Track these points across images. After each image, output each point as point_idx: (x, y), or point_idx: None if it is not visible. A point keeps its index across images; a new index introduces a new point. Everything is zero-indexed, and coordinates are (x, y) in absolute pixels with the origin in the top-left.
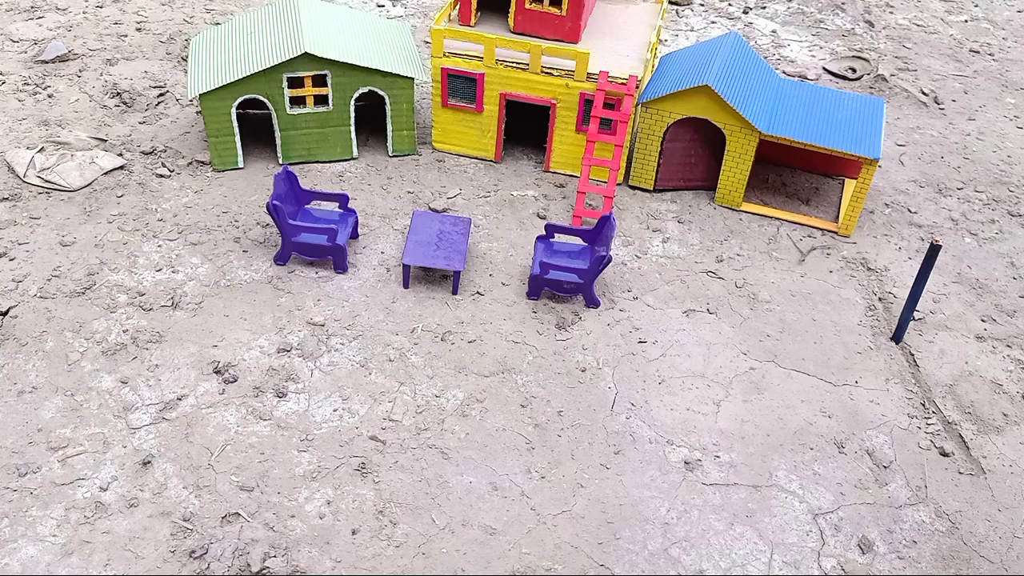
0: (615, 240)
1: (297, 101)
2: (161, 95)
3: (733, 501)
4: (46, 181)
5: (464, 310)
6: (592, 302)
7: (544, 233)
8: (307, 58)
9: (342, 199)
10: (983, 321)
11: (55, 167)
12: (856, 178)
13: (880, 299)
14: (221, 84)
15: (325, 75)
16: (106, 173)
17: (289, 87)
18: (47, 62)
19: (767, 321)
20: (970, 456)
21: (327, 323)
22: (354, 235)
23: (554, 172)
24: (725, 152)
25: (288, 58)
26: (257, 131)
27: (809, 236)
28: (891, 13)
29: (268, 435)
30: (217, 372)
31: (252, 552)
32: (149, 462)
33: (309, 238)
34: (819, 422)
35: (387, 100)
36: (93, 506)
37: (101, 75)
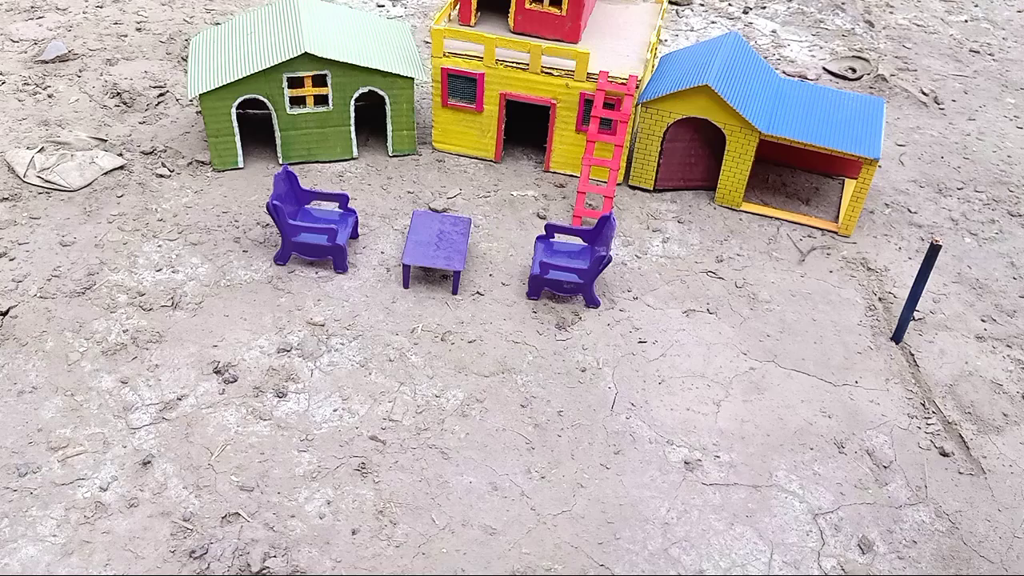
0: (615, 240)
1: (297, 101)
2: (161, 95)
3: (733, 501)
4: (46, 181)
5: (464, 310)
6: (592, 302)
7: (544, 233)
8: (307, 58)
9: (342, 199)
10: (983, 321)
11: (55, 167)
12: (856, 178)
13: (880, 299)
14: (221, 84)
15: (325, 75)
16: (106, 173)
17: (289, 87)
18: (47, 62)
19: (767, 321)
20: (970, 456)
21: (327, 323)
22: (354, 235)
23: (554, 172)
24: (725, 152)
25: (288, 58)
26: (257, 131)
27: (809, 236)
28: (891, 13)
29: (268, 435)
30: (217, 372)
31: (252, 552)
32: (149, 462)
33: (309, 238)
34: (819, 422)
35: (387, 100)
36: (93, 506)
37: (101, 75)
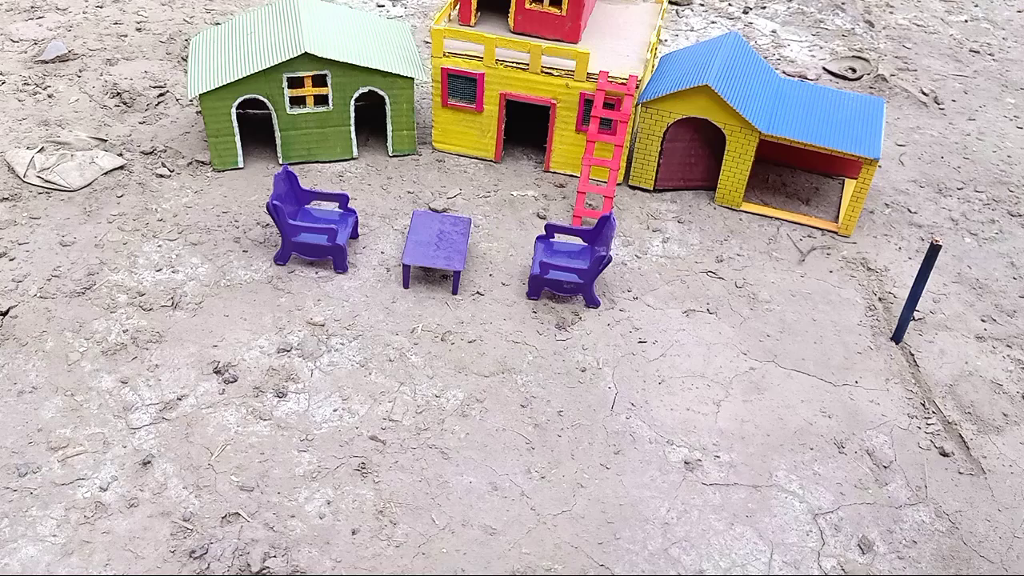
0: (615, 240)
1: (297, 101)
2: (161, 95)
3: (733, 501)
4: (46, 181)
5: (464, 310)
6: (592, 302)
7: (544, 233)
8: (307, 58)
9: (342, 199)
10: (983, 321)
11: (55, 167)
12: (856, 178)
13: (880, 299)
14: (221, 84)
15: (325, 75)
16: (106, 173)
17: (289, 87)
18: (47, 62)
19: (767, 321)
20: (970, 456)
21: (327, 323)
22: (354, 235)
23: (554, 172)
24: (725, 152)
25: (288, 58)
26: (257, 131)
27: (809, 236)
28: (891, 13)
29: (268, 435)
30: (217, 372)
31: (252, 552)
32: (149, 462)
33: (309, 238)
34: (819, 422)
35: (387, 100)
36: (93, 506)
37: (101, 75)
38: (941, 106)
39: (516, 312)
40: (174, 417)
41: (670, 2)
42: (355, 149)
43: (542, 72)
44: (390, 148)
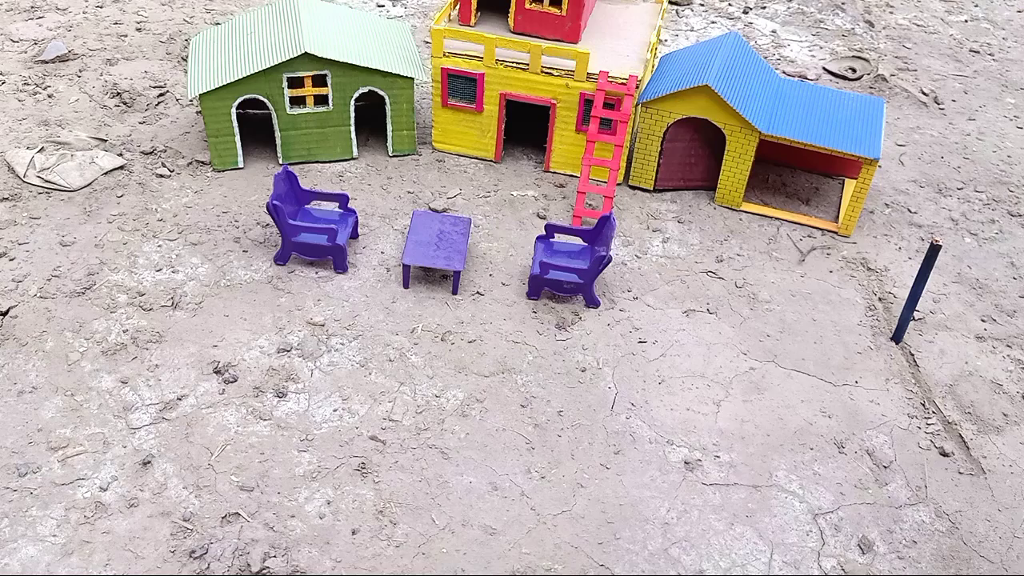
0: (615, 240)
1: (297, 101)
2: (161, 95)
3: (733, 501)
4: (46, 181)
5: (464, 310)
6: (592, 302)
7: (544, 233)
8: (307, 58)
9: (342, 199)
10: (983, 321)
11: (55, 167)
12: (856, 178)
13: (880, 299)
14: (221, 84)
15: (325, 75)
16: (106, 173)
17: (289, 87)
18: (47, 62)
19: (767, 321)
20: (970, 456)
21: (327, 323)
22: (354, 235)
23: (554, 172)
24: (725, 152)
25: (288, 58)
26: (257, 131)
27: (809, 236)
28: (891, 13)
29: (268, 435)
30: (217, 372)
31: (252, 552)
32: (149, 462)
33: (309, 238)
34: (819, 422)
35: (387, 100)
36: (93, 506)
37: (101, 75)
38: (941, 106)
39: (516, 312)
40: (174, 417)
41: (670, 2)
42: (355, 149)
43: (542, 72)
44: (390, 148)
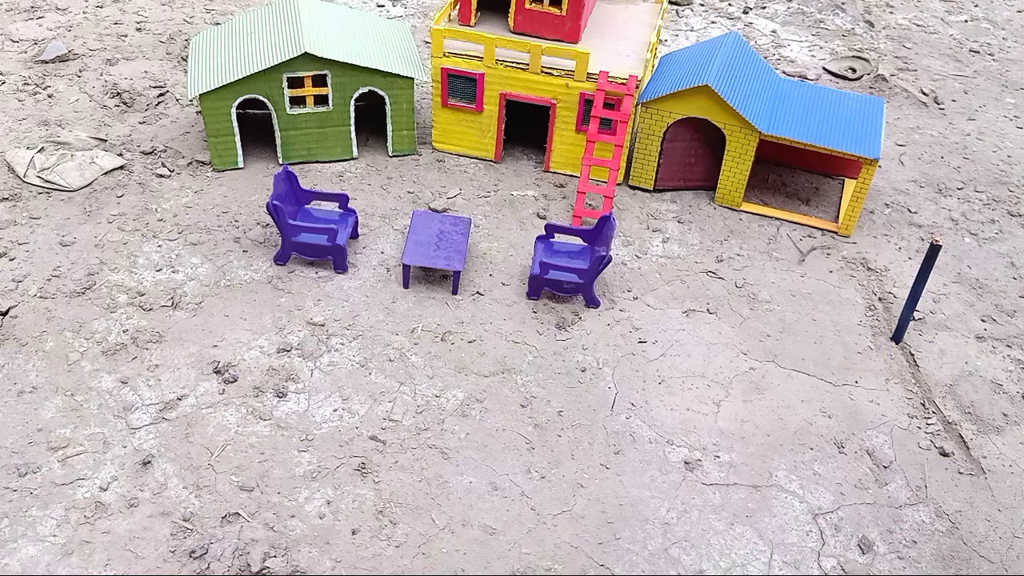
0: (615, 240)
1: (297, 101)
2: (161, 95)
3: (733, 501)
4: (46, 181)
5: (464, 310)
6: (592, 302)
7: (544, 233)
8: (307, 58)
9: (342, 199)
10: (983, 321)
11: (55, 167)
12: (856, 178)
13: (880, 299)
14: (221, 84)
15: (325, 75)
16: (106, 173)
17: (289, 87)
18: (47, 62)
19: (767, 321)
20: (970, 456)
21: (327, 323)
22: (354, 235)
23: (554, 172)
24: (725, 152)
25: (288, 58)
26: (257, 131)
27: (809, 236)
28: (891, 13)
29: (268, 435)
30: (217, 372)
31: (252, 552)
32: (149, 462)
33: (309, 238)
34: (819, 422)
35: (387, 100)
36: (93, 506)
37: (101, 75)
38: (941, 106)
39: (516, 312)
40: (174, 417)
41: (670, 2)
42: (355, 149)
43: (542, 72)
44: (390, 148)
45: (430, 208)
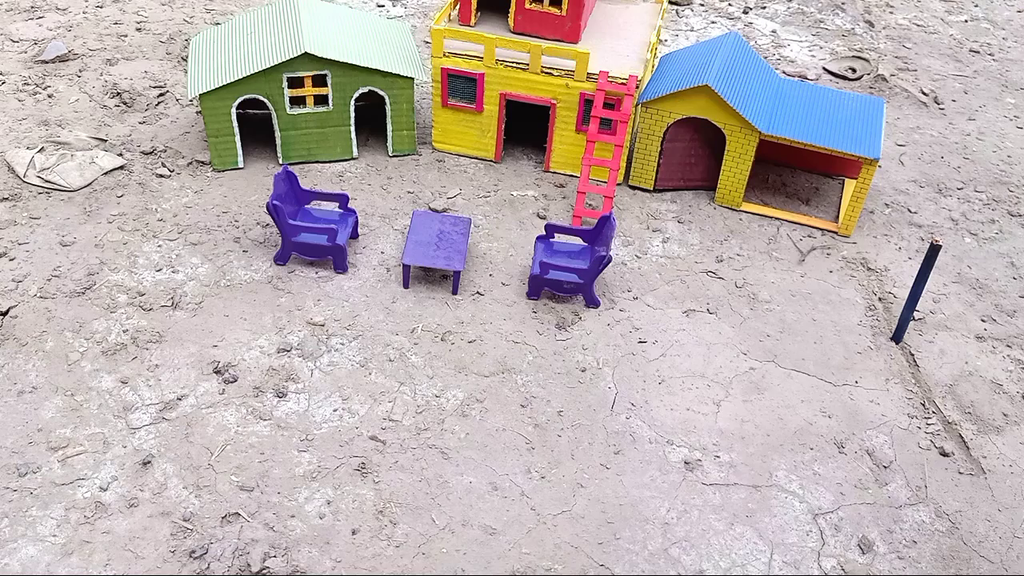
0: (615, 240)
1: (297, 101)
2: (161, 95)
3: (733, 501)
4: (46, 181)
5: (464, 310)
6: (592, 302)
7: (544, 233)
8: (307, 58)
9: (342, 199)
10: (983, 321)
11: (55, 167)
12: (856, 178)
13: (880, 299)
14: (221, 84)
15: (325, 75)
16: (106, 173)
17: (289, 87)
18: (47, 62)
19: (767, 321)
20: (970, 456)
21: (327, 323)
22: (354, 235)
23: (554, 172)
24: (725, 152)
25: (288, 58)
26: (257, 131)
27: (809, 236)
28: (891, 13)
29: (268, 435)
30: (217, 372)
31: (252, 552)
32: (149, 462)
33: (309, 238)
34: (819, 422)
35: (387, 100)
36: (93, 506)
37: (101, 75)
38: (941, 106)
39: (516, 312)
40: (174, 417)
41: (670, 2)
42: (355, 149)
43: (542, 72)
44: (390, 148)
45: (430, 208)
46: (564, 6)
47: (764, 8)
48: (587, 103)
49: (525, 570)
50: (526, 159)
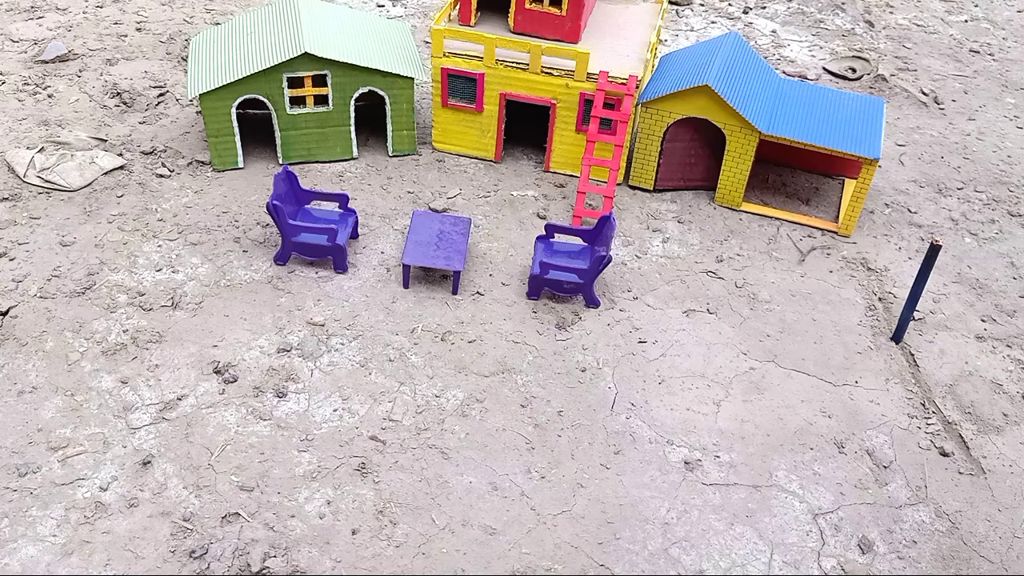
0: (615, 240)
1: (297, 101)
2: (161, 95)
3: (733, 501)
4: (46, 181)
5: (464, 310)
6: (592, 302)
7: (544, 233)
8: (307, 58)
9: (342, 199)
10: (983, 321)
11: (55, 167)
12: (856, 178)
13: (880, 299)
14: (221, 84)
15: (325, 75)
16: (106, 173)
17: (289, 87)
18: (47, 62)
19: (767, 321)
20: (970, 456)
21: (327, 323)
22: (354, 235)
23: (554, 172)
24: (725, 152)
25: (288, 58)
26: (257, 131)
27: (809, 236)
28: (891, 13)
29: (268, 435)
30: (217, 372)
31: (252, 552)
32: (149, 462)
33: (309, 238)
34: (819, 422)
35: (387, 100)
36: (93, 506)
37: (101, 75)
38: (941, 106)
39: (516, 312)
40: (174, 417)
41: (670, 2)
42: (355, 149)
43: (542, 72)
44: (390, 148)
45: (430, 208)
46: (564, 6)
47: (764, 8)
48: (587, 103)
49: (525, 570)
50: (526, 159)
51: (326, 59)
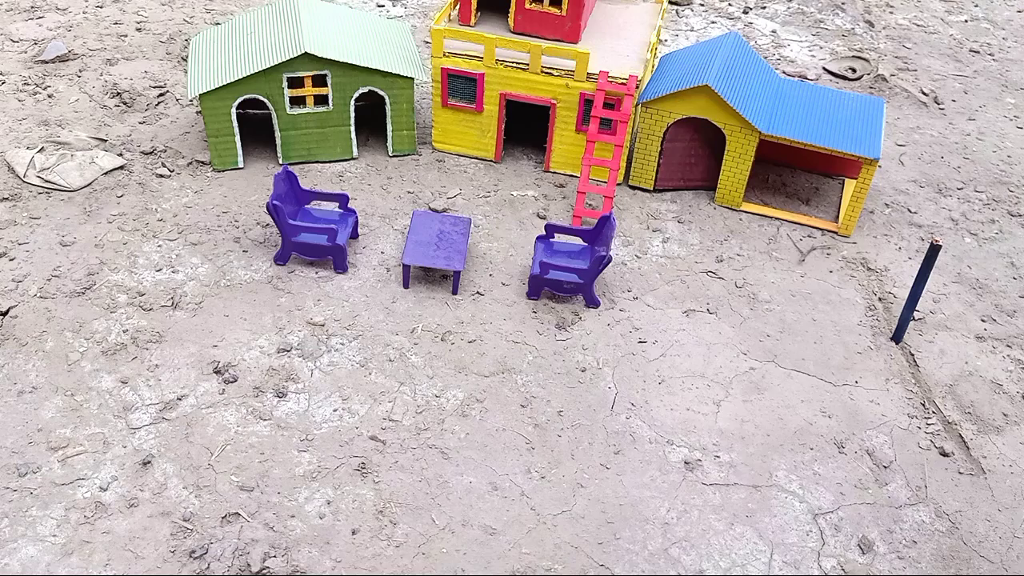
0: (615, 240)
1: (297, 101)
2: (161, 95)
3: (733, 501)
4: (46, 181)
5: (464, 310)
6: (592, 302)
7: (544, 233)
8: (307, 58)
9: (342, 199)
10: (983, 321)
11: (55, 167)
12: (856, 178)
13: (880, 299)
14: (221, 84)
15: (325, 75)
16: (106, 173)
17: (289, 87)
18: (47, 62)
19: (767, 321)
20: (970, 456)
21: (327, 323)
22: (354, 235)
23: (554, 172)
24: (725, 152)
25: (288, 58)
26: (257, 131)
27: (809, 236)
28: (891, 13)
29: (268, 435)
30: (217, 372)
31: (252, 552)
32: (149, 462)
33: (309, 238)
34: (819, 422)
35: (387, 100)
36: (93, 506)
37: (101, 75)
38: (941, 106)
39: (516, 312)
40: (174, 417)
41: (670, 2)
42: (355, 149)
43: (542, 72)
44: (390, 148)
45: (430, 208)
46: (564, 6)
47: (764, 8)
48: (587, 103)
49: (525, 570)
50: (526, 159)
51: (326, 59)
